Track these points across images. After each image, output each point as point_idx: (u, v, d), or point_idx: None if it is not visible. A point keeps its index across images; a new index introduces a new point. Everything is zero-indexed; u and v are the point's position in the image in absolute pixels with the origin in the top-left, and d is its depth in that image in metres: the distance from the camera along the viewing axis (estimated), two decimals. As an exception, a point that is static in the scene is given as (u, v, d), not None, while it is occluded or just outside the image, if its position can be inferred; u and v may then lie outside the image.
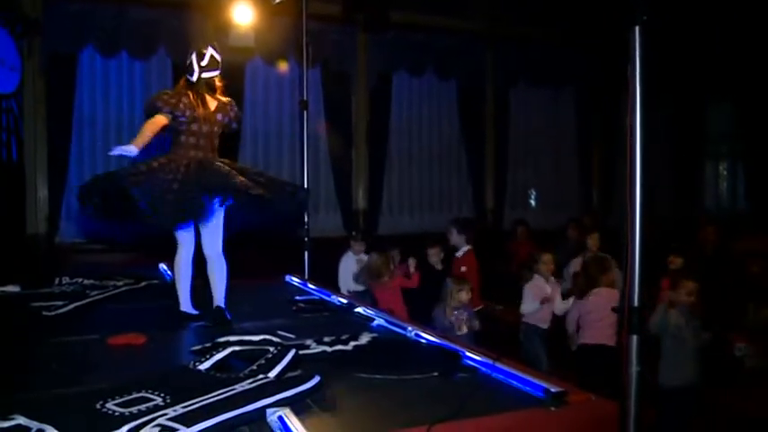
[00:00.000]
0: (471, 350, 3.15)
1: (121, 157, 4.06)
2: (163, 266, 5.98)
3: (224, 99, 4.31)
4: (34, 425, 2.14)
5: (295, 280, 5.75)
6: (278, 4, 6.71)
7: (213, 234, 4.18)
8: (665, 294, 5.07)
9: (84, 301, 4.52)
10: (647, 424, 4.36)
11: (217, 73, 4.27)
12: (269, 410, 2.31)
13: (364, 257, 6.40)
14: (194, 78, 4.18)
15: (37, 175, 7.57)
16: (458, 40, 9.64)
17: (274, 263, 6.07)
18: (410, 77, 9.76)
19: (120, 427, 2.11)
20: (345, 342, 3.33)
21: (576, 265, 6.41)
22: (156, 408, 2.28)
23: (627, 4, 2.62)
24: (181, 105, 4.07)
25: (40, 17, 7.40)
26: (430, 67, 9.73)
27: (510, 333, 5.89)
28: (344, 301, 4.71)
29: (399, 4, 8.52)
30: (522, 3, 9.14)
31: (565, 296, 5.64)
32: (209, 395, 2.37)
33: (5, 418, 2.17)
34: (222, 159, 4.22)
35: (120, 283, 5.22)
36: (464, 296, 5.28)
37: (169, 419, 2.15)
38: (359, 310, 4.37)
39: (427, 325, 5.06)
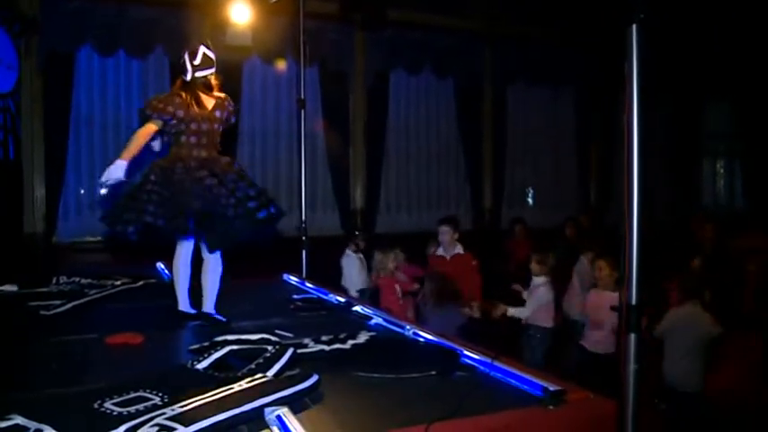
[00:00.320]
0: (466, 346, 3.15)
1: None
2: (160, 266, 5.98)
3: (221, 95, 4.31)
4: (32, 425, 2.14)
5: (293, 279, 5.75)
6: (275, 2, 6.70)
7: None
8: (674, 296, 5.08)
9: (81, 301, 4.52)
10: (656, 425, 4.40)
11: (211, 71, 4.23)
12: (267, 409, 2.31)
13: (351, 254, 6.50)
14: (188, 78, 4.17)
15: (34, 174, 7.56)
16: (456, 38, 9.64)
17: (272, 262, 6.07)
18: (408, 76, 9.75)
19: (117, 426, 2.11)
20: (343, 341, 3.33)
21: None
22: (155, 407, 2.28)
23: (625, 2, 2.63)
24: (170, 108, 4.06)
25: (38, 16, 7.38)
26: (428, 65, 9.73)
27: (510, 332, 5.89)
28: (342, 299, 4.71)
29: (397, 2, 8.50)
30: (520, 1, 9.14)
31: None
32: (208, 394, 2.36)
33: (3, 418, 2.17)
34: (224, 157, 4.24)
35: (118, 283, 5.21)
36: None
37: (167, 419, 2.15)
38: (356, 308, 4.37)
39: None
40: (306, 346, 3.25)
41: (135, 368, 3.00)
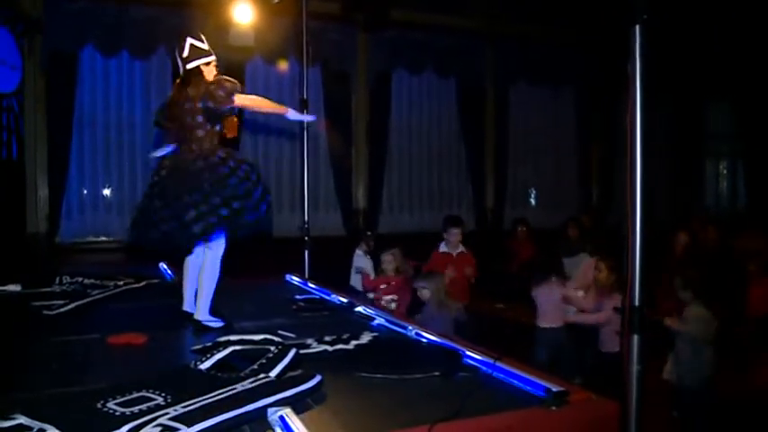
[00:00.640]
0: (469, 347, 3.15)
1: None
2: (163, 266, 5.99)
3: (207, 81, 4.04)
4: (35, 424, 2.14)
5: (295, 279, 5.75)
6: (278, 3, 6.71)
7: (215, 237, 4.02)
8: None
9: (84, 301, 4.52)
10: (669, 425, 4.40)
11: (204, 60, 4.07)
12: (270, 410, 2.31)
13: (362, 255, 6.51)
14: (181, 72, 4.12)
15: (37, 174, 7.58)
16: (457, 38, 9.65)
17: (274, 262, 6.07)
18: (410, 76, 9.77)
19: (120, 426, 2.10)
20: (346, 341, 3.33)
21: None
22: (157, 407, 2.28)
23: (627, 3, 2.62)
24: (165, 108, 4.09)
25: (41, 16, 7.40)
26: (430, 65, 9.74)
27: (513, 332, 5.89)
28: (345, 300, 4.71)
29: (399, 2, 8.52)
30: (522, 1, 9.14)
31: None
32: (210, 395, 2.36)
33: (6, 418, 2.17)
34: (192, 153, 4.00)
35: (121, 283, 5.21)
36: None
37: (170, 419, 2.15)
38: (359, 309, 4.37)
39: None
40: (308, 346, 3.25)
41: (138, 368, 3.01)
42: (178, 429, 2.08)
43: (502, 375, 2.80)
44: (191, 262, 4.14)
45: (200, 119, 3.97)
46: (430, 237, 6.89)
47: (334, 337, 3.41)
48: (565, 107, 11.00)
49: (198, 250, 4.07)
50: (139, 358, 3.34)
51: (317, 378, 2.60)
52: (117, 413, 2.24)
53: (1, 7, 6.67)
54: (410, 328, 3.68)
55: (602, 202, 11.07)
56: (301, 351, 3.05)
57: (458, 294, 5.83)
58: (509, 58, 10.10)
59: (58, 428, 2.11)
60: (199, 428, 2.11)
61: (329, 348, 3.23)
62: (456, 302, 5.47)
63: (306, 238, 6.08)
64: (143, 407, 2.28)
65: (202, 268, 4.00)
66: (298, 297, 4.85)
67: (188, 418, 2.15)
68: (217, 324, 3.92)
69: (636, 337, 2.62)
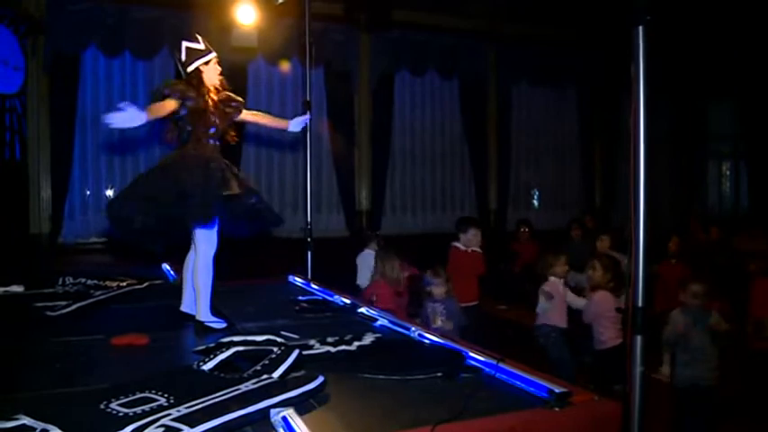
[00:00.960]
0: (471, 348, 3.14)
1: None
2: (166, 266, 5.99)
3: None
4: (38, 425, 2.14)
5: (298, 280, 5.74)
6: (280, 4, 6.71)
7: (204, 237, 3.99)
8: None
9: (87, 301, 4.51)
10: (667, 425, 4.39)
11: (201, 61, 4.05)
12: (273, 411, 2.31)
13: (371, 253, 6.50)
14: (184, 77, 4.09)
15: (40, 174, 7.60)
16: (460, 39, 9.65)
17: (277, 263, 6.07)
18: (412, 77, 9.78)
19: (123, 427, 2.10)
20: (349, 342, 3.33)
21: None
22: (160, 408, 2.28)
23: (630, 3, 2.62)
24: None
25: (44, 17, 7.42)
26: (432, 66, 9.75)
27: (515, 332, 5.89)
28: (347, 301, 4.71)
29: (401, 3, 8.52)
30: (524, 2, 9.14)
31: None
32: (213, 395, 2.36)
33: (10, 418, 2.17)
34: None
35: (124, 284, 5.21)
36: (436, 291, 5.37)
37: (173, 420, 2.15)
38: (362, 310, 4.37)
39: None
40: (311, 347, 3.24)
41: (140, 369, 3.00)
42: (181, 430, 2.08)
43: (504, 376, 2.80)
44: (189, 262, 4.13)
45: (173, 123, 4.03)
46: (433, 238, 6.89)
47: (337, 338, 3.40)
48: (567, 108, 10.99)
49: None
50: (142, 359, 3.34)
51: (320, 379, 2.59)
52: (120, 414, 2.24)
53: (4, 8, 6.68)
54: (413, 329, 3.68)
55: (605, 203, 11.06)
56: (304, 352, 3.04)
57: (469, 292, 5.86)
58: (511, 58, 10.10)
59: (60, 429, 2.11)
60: (202, 429, 2.11)
61: (332, 349, 3.22)
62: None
63: (309, 239, 6.09)
64: (146, 407, 2.28)
65: (195, 270, 3.99)
66: (300, 298, 4.84)
67: (191, 419, 2.15)
68: (219, 324, 3.92)
69: (639, 338, 2.62)
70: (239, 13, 7.20)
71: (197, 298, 3.99)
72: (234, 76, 8.26)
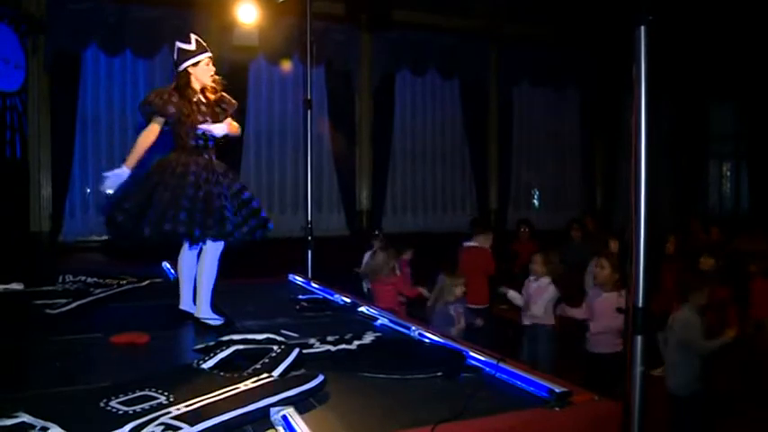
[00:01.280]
0: (472, 348, 3.14)
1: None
2: (166, 265, 5.99)
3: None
4: (38, 422, 2.14)
5: (298, 279, 5.74)
6: (282, 3, 6.71)
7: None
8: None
9: (87, 300, 4.51)
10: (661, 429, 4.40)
11: (189, 62, 4.00)
12: (273, 409, 2.30)
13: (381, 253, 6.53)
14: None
15: (41, 172, 7.60)
16: (461, 39, 9.65)
17: (278, 262, 6.07)
18: (413, 77, 9.78)
19: (123, 425, 2.10)
20: (349, 341, 3.33)
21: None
22: (160, 406, 2.28)
23: (632, 4, 2.62)
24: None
25: (45, 15, 7.42)
26: (433, 66, 9.75)
27: (515, 333, 5.89)
28: (348, 300, 4.71)
29: (402, 3, 8.52)
30: (526, 2, 9.14)
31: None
32: (213, 394, 2.36)
33: (9, 416, 2.17)
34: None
35: (124, 282, 5.21)
36: (459, 291, 5.38)
37: (172, 418, 2.15)
38: (362, 309, 4.37)
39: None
40: (311, 346, 3.24)
41: (140, 367, 3.00)
42: (180, 428, 2.08)
43: (505, 376, 2.80)
44: (184, 260, 4.13)
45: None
46: (433, 237, 6.90)
47: (337, 336, 3.40)
48: (568, 108, 10.99)
49: (192, 249, 4.06)
50: (142, 357, 3.34)
51: (320, 378, 2.59)
52: (119, 412, 2.24)
53: (5, 7, 6.68)
54: (413, 328, 3.68)
55: (605, 203, 11.05)
56: (304, 351, 3.04)
57: (481, 294, 5.99)
58: (513, 58, 10.11)
59: (60, 427, 2.11)
60: (201, 428, 2.10)
61: (332, 348, 3.22)
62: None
63: (309, 238, 6.09)
64: (145, 405, 2.28)
65: (201, 266, 3.98)
66: (301, 297, 4.84)
67: (190, 418, 2.15)
68: (217, 321, 3.90)
69: (639, 338, 2.62)
70: (240, 11, 7.21)
71: (197, 294, 3.98)
72: (235, 74, 8.33)
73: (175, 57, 4.04)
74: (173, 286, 4.70)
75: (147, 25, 7.87)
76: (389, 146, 9.53)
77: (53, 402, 2.42)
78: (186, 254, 4.12)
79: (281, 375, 2.67)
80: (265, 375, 2.60)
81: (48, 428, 2.11)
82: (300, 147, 8.13)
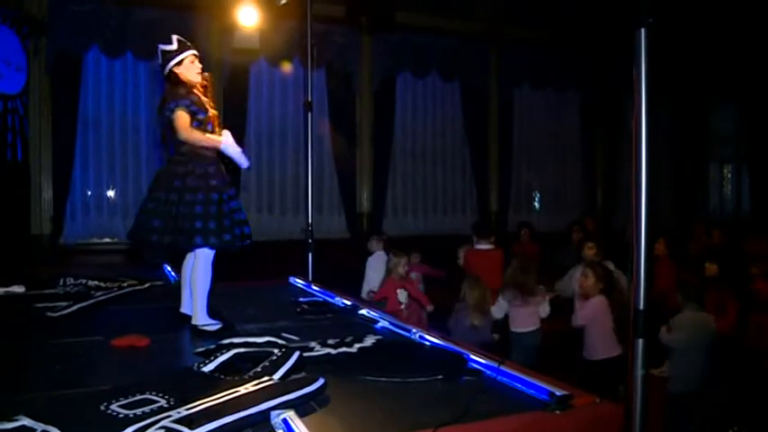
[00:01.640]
0: (472, 351, 3.14)
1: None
2: (167, 267, 5.99)
3: (176, 87, 3.95)
4: (38, 426, 2.14)
5: (299, 281, 5.74)
6: (282, 5, 6.72)
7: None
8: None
9: (88, 302, 4.52)
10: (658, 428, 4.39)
11: (173, 62, 3.93)
12: (273, 413, 2.30)
13: (384, 256, 6.60)
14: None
15: (42, 175, 7.60)
16: (462, 41, 9.65)
17: (278, 264, 6.07)
18: (414, 79, 9.77)
19: (123, 428, 2.10)
20: (350, 344, 3.32)
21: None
22: (161, 410, 2.27)
23: (632, 6, 2.62)
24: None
25: (46, 18, 7.42)
26: (434, 68, 9.75)
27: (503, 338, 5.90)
28: (348, 303, 4.70)
29: (403, 5, 8.52)
30: (526, 4, 9.15)
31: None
32: (213, 397, 2.36)
33: (10, 419, 2.17)
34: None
35: (125, 285, 5.22)
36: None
37: (173, 421, 2.15)
38: (363, 312, 4.37)
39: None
40: (312, 349, 3.24)
41: (141, 370, 3.01)
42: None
43: (506, 379, 2.79)
44: (188, 264, 4.11)
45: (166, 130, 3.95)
46: (434, 240, 6.90)
47: (338, 339, 3.40)
48: (569, 110, 10.99)
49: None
50: (143, 360, 3.34)
51: (321, 381, 2.59)
52: (120, 415, 2.24)
53: (6, 9, 6.68)
54: (414, 331, 3.68)
55: (606, 206, 11.05)
56: (305, 354, 3.04)
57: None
58: (513, 61, 10.11)
59: (60, 430, 2.11)
60: (202, 431, 2.10)
61: (332, 351, 3.22)
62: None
63: (310, 240, 6.09)
64: (146, 409, 2.28)
65: (194, 272, 3.95)
66: (301, 300, 4.84)
67: (191, 421, 2.15)
68: (214, 327, 3.87)
69: (640, 341, 2.61)
70: (241, 14, 7.21)
71: (193, 301, 3.96)
72: (236, 77, 8.36)
73: (160, 60, 3.99)
74: (174, 289, 4.71)
75: (148, 28, 7.87)
76: (390, 148, 9.52)
77: (53, 406, 2.42)
78: (190, 258, 4.10)
79: (281, 378, 2.67)
80: (266, 378, 2.60)
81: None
82: (301, 149, 8.13)
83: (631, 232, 2.67)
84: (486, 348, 4.84)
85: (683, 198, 11.35)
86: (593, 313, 5.11)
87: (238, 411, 2.24)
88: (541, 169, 10.78)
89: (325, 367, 2.93)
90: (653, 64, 2.61)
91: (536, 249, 8.40)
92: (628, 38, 2.66)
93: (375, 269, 6.71)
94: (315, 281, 5.75)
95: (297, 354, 2.93)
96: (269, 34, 7.76)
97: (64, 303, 4.41)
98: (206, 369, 2.83)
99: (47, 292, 4.95)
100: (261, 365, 2.79)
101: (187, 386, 2.56)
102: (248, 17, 7.23)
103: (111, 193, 8.22)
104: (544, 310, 5.55)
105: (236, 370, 2.83)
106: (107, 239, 8.10)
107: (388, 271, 6.17)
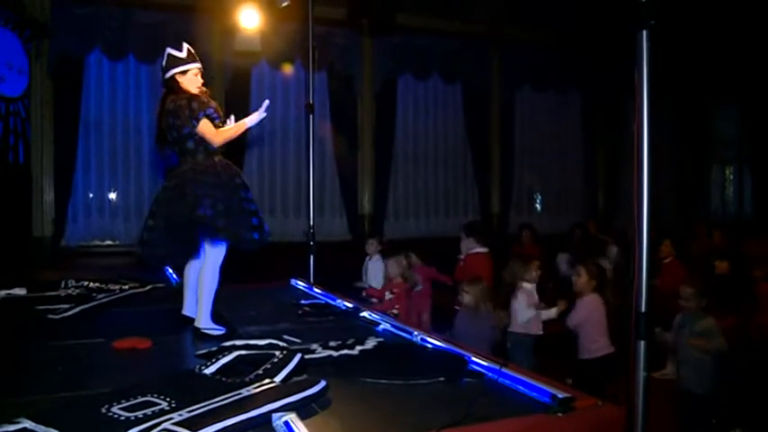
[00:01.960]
0: (474, 353, 3.14)
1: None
2: (169, 270, 5.98)
3: (182, 97, 3.89)
4: (40, 428, 2.14)
5: (300, 284, 5.74)
6: (284, 8, 6.72)
7: (216, 244, 3.92)
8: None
9: (89, 305, 4.52)
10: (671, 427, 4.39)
11: (177, 69, 3.92)
12: (275, 415, 2.30)
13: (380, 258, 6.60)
14: (162, 83, 4.05)
15: (44, 177, 7.61)
16: (463, 43, 9.66)
17: (279, 266, 6.07)
18: (415, 81, 9.78)
19: (125, 431, 2.10)
20: (351, 347, 3.32)
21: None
22: (162, 412, 2.27)
23: (634, 8, 2.62)
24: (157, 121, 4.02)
25: (48, 21, 7.43)
26: (435, 70, 9.76)
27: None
28: (350, 305, 4.70)
29: (405, 7, 8.53)
30: (528, 6, 9.15)
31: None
32: (215, 399, 2.36)
33: (11, 422, 2.17)
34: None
35: (126, 287, 5.22)
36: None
37: (175, 424, 2.15)
38: (364, 314, 4.36)
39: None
40: (313, 351, 3.24)
41: (142, 373, 3.00)
42: (182, 434, 2.08)
43: (507, 381, 2.79)
44: (192, 266, 4.10)
45: (186, 131, 3.87)
46: (435, 242, 6.89)
47: (339, 342, 3.40)
48: (571, 112, 10.99)
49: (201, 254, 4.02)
50: (144, 363, 3.34)
51: (322, 383, 2.59)
52: (121, 418, 2.23)
53: (9, 12, 6.69)
54: (415, 333, 3.67)
55: (608, 208, 11.04)
56: (306, 356, 3.04)
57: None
58: (515, 63, 10.11)
59: (62, 433, 2.12)
60: (203, 433, 2.10)
61: (334, 353, 3.22)
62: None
63: (311, 242, 6.09)
64: (147, 411, 2.28)
65: (201, 275, 3.91)
66: (303, 302, 4.84)
67: (192, 423, 2.15)
68: (217, 332, 3.83)
69: (642, 343, 2.61)
70: (243, 17, 7.22)
71: (198, 303, 3.93)
72: (237, 79, 8.37)
73: (164, 63, 3.97)
74: (175, 291, 4.71)
75: (150, 30, 7.88)
76: (391, 150, 9.53)
77: (55, 408, 2.42)
78: (195, 260, 4.09)
79: (283, 381, 2.66)
80: (267, 381, 2.60)
81: (49, 434, 2.11)
82: (302, 151, 8.14)
83: (633, 234, 2.67)
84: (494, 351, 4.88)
85: (686, 200, 11.33)
86: (587, 313, 5.12)
87: (240, 414, 2.24)
88: (543, 171, 10.77)
89: (327, 369, 2.93)
90: (655, 66, 2.61)
91: (538, 251, 8.40)
92: (629, 40, 2.66)
93: (375, 276, 6.70)
94: (316, 283, 5.74)
95: (298, 356, 2.93)
96: (270, 37, 7.77)
97: (65, 306, 4.41)
98: (208, 371, 2.83)
99: (48, 294, 4.95)
100: (262, 368, 2.78)
101: (189, 388, 2.55)
102: (250, 20, 7.24)
103: (112, 196, 8.23)
104: (548, 314, 5.53)
105: (238, 372, 2.83)
106: (109, 242, 8.10)
107: (387, 276, 6.18)
